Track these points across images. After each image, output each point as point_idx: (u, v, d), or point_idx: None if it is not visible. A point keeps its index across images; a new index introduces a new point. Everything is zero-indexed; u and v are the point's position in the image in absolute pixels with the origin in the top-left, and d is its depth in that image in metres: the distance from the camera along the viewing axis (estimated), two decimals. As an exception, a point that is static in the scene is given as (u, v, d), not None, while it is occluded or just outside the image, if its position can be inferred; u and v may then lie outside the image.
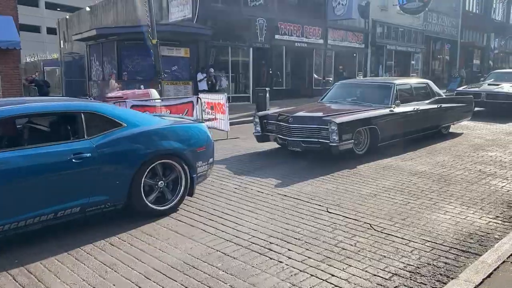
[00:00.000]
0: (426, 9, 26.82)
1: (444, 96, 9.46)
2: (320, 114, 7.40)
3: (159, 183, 4.58)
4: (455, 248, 3.80)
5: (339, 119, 6.88)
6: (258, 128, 8.04)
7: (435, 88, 9.18)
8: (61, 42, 28.61)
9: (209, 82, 16.65)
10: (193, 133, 4.93)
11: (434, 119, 8.94)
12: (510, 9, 44.65)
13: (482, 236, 4.08)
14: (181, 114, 8.59)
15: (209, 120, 10.59)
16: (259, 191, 5.53)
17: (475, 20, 36.36)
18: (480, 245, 3.88)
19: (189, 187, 4.81)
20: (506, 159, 7.39)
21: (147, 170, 4.41)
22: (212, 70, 16.99)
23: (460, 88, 14.33)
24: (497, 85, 13.61)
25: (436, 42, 33.92)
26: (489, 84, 13.88)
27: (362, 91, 8.70)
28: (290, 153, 7.74)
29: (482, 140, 9.18)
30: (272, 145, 8.42)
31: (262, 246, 3.85)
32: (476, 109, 14.06)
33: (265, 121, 7.97)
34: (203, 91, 16.61)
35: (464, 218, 4.55)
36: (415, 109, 8.31)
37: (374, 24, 26.26)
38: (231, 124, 11.98)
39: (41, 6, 54.32)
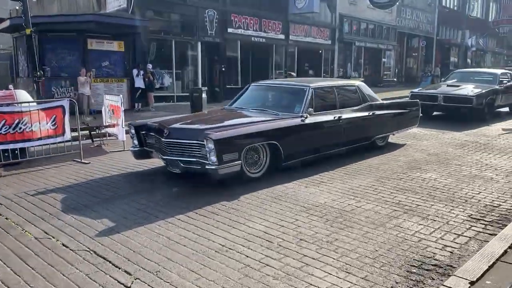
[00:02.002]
0: (397, 3, 25.37)
1: (380, 101, 7.89)
2: (203, 126, 5.76)
3: None
4: None
5: (218, 134, 5.25)
6: (136, 142, 6.37)
7: (367, 91, 7.60)
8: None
9: (146, 79, 14.90)
10: None
11: (364, 129, 7.38)
12: (489, 5, 43.67)
13: None
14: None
15: (108, 126, 8.93)
16: (64, 244, 3.87)
17: (452, 16, 35.11)
18: None
19: None
20: (441, 183, 5.85)
21: None
22: (150, 66, 15.24)
23: (416, 90, 12.83)
24: (457, 86, 12.13)
25: (411, 38, 32.58)
26: (448, 85, 12.38)
27: (274, 96, 7.07)
28: (171, 176, 6.08)
29: (423, 155, 7.64)
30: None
31: None
32: (435, 113, 12.72)
33: (143, 132, 6.30)
34: (138, 90, 15.00)
35: (328, 301, 2.97)
36: (336, 118, 6.72)
37: (342, 19, 24.72)
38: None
39: (6, -4, 51.72)
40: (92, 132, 8.77)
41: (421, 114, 12.14)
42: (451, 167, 6.74)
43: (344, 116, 6.86)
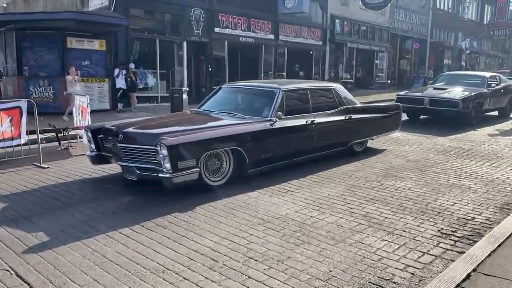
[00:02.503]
0: (389, 4, 25.05)
1: (358, 104, 7.53)
2: (159, 130, 5.38)
3: None
4: None
5: (173, 140, 4.87)
6: (93, 146, 5.98)
7: (344, 94, 7.24)
8: None
9: (128, 79, 14.50)
10: None
11: (340, 134, 7.02)
12: (484, 8, 43.47)
13: None
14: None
15: (76, 128, 8.55)
16: (-16, 262, 3.50)
17: (445, 18, 34.86)
18: None
19: None
20: (415, 193, 5.50)
21: None
22: (132, 65, 14.83)
23: (402, 93, 12.49)
24: (444, 89, 11.79)
25: (404, 40, 32.29)
26: (434, 88, 12.05)
27: (244, 98, 6.71)
28: (128, 183, 5.67)
29: (402, 161, 7.29)
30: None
31: None
32: (421, 117, 12.42)
33: (101, 136, 5.92)
34: (119, 90, 14.61)
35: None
36: (308, 122, 6.36)
37: (333, 19, 24.38)
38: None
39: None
40: (59, 134, 8.37)
41: (407, 118, 11.95)
42: (428, 175, 6.38)
43: (318, 120, 6.50)
